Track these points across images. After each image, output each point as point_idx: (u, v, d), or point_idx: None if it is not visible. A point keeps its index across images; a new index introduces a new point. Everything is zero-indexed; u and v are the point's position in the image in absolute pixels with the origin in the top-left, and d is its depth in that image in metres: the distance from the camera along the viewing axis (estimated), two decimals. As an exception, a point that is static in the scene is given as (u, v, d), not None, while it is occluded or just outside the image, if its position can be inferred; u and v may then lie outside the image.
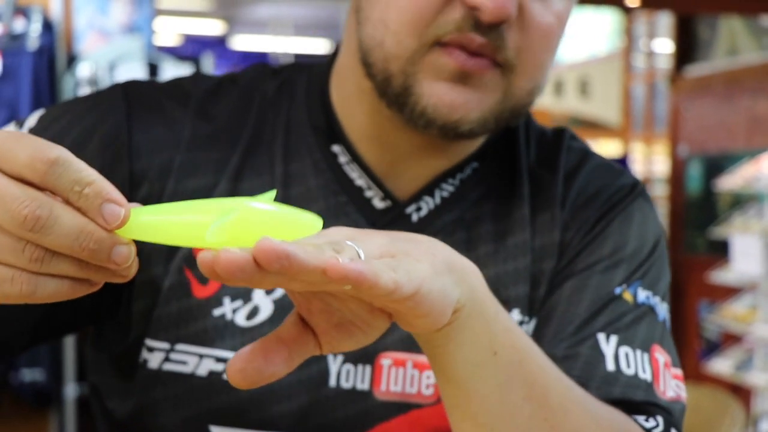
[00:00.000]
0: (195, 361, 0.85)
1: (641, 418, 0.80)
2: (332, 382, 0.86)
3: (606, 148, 8.93)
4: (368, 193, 0.90)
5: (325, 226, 0.87)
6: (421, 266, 0.58)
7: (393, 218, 0.89)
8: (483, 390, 0.67)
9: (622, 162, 7.98)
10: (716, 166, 6.42)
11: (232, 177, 0.88)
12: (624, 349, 0.83)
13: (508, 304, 0.88)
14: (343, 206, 0.89)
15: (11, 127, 0.87)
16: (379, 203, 0.90)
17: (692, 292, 6.24)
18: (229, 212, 0.51)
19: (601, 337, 0.84)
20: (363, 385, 0.86)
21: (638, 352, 0.84)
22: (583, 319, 0.85)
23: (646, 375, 0.83)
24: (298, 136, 0.91)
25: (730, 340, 5.52)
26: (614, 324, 0.85)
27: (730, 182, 5.44)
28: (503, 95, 0.84)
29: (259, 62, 0.98)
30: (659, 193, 8.05)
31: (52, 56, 3.84)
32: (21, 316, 0.82)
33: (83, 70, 3.79)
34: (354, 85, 0.89)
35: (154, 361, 0.86)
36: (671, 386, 0.85)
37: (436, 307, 0.58)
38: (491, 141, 0.96)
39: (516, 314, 0.88)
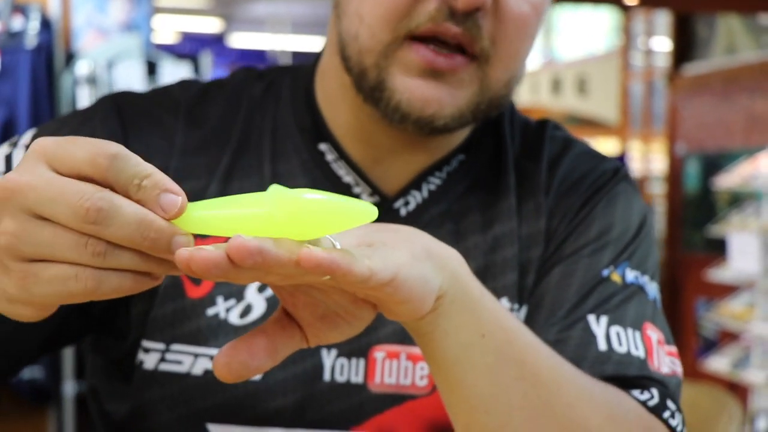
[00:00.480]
0: (190, 360, 0.85)
1: (636, 392, 0.80)
2: (326, 376, 0.87)
3: (604, 146, 8.94)
4: (356, 190, 0.91)
5: None
6: (398, 253, 0.58)
7: (381, 213, 0.90)
8: (474, 373, 0.68)
9: (620, 160, 7.99)
10: (714, 164, 6.43)
11: (223, 178, 0.89)
12: (615, 329, 0.84)
13: (497, 294, 0.88)
14: None
15: (5, 149, 0.88)
16: (367, 199, 0.91)
17: (690, 290, 6.26)
18: (284, 203, 0.52)
19: (591, 318, 0.84)
20: (357, 379, 0.87)
21: (629, 331, 0.84)
22: (572, 303, 0.86)
23: (639, 352, 0.83)
24: (285, 136, 0.92)
25: (727, 338, 5.53)
26: (603, 305, 0.85)
27: (727, 180, 5.45)
28: (479, 88, 0.84)
29: (244, 66, 1.00)
30: (657, 191, 8.07)
31: (50, 54, 3.85)
32: (33, 332, 0.83)
33: (81, 68, 3.79)
34: (336, 81, 0.90)
35: (149, 361, 0.87)
36: (665, 362, 0.85)
37: (415, 293, 0.59)
38: (477, 132, 0.97)
39: (505, 302, 0.89)
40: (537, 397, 0.70)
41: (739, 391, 5.19)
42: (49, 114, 3.80)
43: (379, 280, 0.55)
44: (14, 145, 0.88)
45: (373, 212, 0.54)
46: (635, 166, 8.30)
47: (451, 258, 0.65)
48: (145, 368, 0.87)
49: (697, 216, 6.60)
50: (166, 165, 0.88)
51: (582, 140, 1.02)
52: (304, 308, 0.61)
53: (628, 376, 0.81)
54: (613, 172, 0.97)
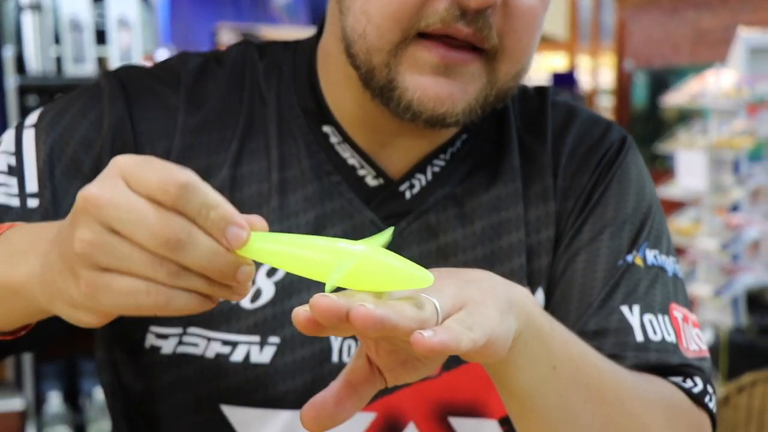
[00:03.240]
0: (204, 343, 0.87)
1: (679, 379, 0.86)
2: (335, 358, 0.88)
3: (553, 61, 8.94)
4: (361, 172, 0.91)
5: (321, 205, 0.90)
6: (490, 313, 0.61)
7: (386, 196, 0.91)
8: (546, 402, 0.71)
9: (570, 76, 8.01)
10: (662, 80, 6.49)
11: (232, 163, 0.89)
12: (647, 317, 0.88)
13: (504, 278, 0.90)
14: (336, 186, 0.90)
15: (11, 133, 0.88)
16: (372, 181, 0.91)
17: (637, 205, 6.37)
18: (348, 257, 0.55)
19: (625, 309, 0.88)
20: None
21: (660, 317, 0.88)
22: (604, 292, 0.89)
23: (671, 337, 0.87)
24: (289, 118, 0.92)
25: (674, 252, 5.66)
26: (633, 294, 0.89)
27: (675, 98, 5.51)
28: (488, 81, 0.83)
29: (242, 41, 0.98)
30: (605, 104, 8.12)
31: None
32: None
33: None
34: (340, 71, 0.89)
35: (168, 346, 0.88)
36: (693, 339, 0.90)
37: (499, 347, 0.62)
38: None
39: None
40: (604, 415, 0.74)
41: (685, 304, 5.34)
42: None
43: (479, 346, 0.58)
44: (21, 127, 0.89)
45: (429, 281, 0.56)
46: (584, 79, 8.33)
47: (525, 299, 0.67)
48: (163, 353, 0.88)
49: (645, 132, 6.68)
50: (170, 144, 0.88)
51: (582, 105, 1.01)
52: (387, 355, 0.63)
53: (672, 363, 0.86)
54: (621, 144, 0.96)
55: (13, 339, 0.77)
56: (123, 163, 0.57)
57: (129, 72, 0.93)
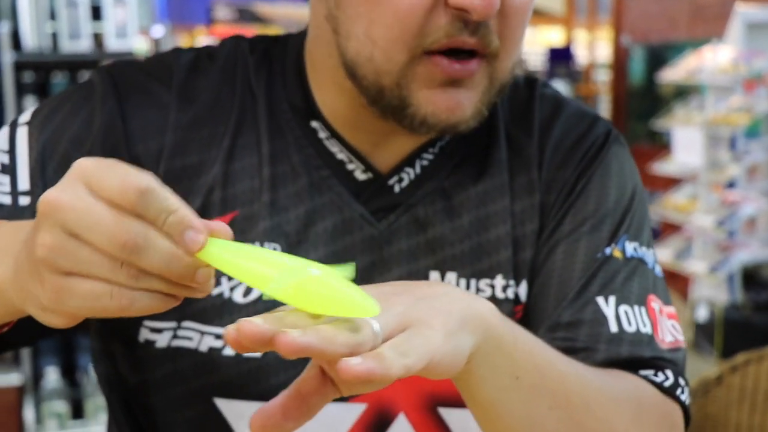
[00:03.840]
0: (198, 337, 0.88)
1: (650, 373, 0.86)
2: None
3: (549, 36, 8.92)
4: (350, 166, 0.91)
5: (311, 199, 0.91)
6: (433, 335, 0.60)
7: (375, 190, 0.91)
8: (510, 410, 0.72)
9: (566, 51, 8.00)
10: (659, 56, 6.48)
11: (225, 159, 0.90)
12: (623, 308, 0.88)
13: (491, 271, 0.91)
14: (326, 180, 0.91)
15: (5, 131, 0.89)
16: (361, 175, 0.91)
17: (634, 181, 6.37)
18: (294, 273, 0.55)
19: (600, 300, 0.88)
20: None
21: (636, 308, 0.89)
22: (580, 284, 0.89)
23: (646, 329, 0.88)
24: (278, 112, 0.92)
25: (669, 229, 5.69)
26: (610, 285, 0.89)
27: (672, 74, 5.50)
28: (490, 82, 0.85)
29: (235, 35, 0.98)
30: (603, 78, 8.10)
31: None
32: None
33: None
34: (328, 79, 0.90)
35: (162, 340, 0.89)
36: (668, 330, 0.90)
37: (447, 367, 0.62)
38: None
39: (500, 280, 0.92)
40: (569, 420, 0.75)
41: (680, 280, 5.37)
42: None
43: (414, 371, 0.58)
44: (15, 125, 0.90)
45: (375, 311, 0.56)
46: (581, 54, 8.31)
47: (484, 315, 0.67)
48: (158, 347, 0.89)
49: (642, 108, 6.68)
50: (162, 141, 0.89)
51: (572, 99, 1.02)
52: None
53: (643, 357, 0.86)
54: (605, 137, 0.97)
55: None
56: (85, 166, 0.57)
57: (122, 70, 0.93)
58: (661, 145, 5.84)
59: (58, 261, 0.57)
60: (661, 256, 5.27)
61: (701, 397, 1.96)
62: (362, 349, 0.56)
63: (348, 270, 0.57)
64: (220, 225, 0.58)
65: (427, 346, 0.59)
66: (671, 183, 5.59)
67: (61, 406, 3.76)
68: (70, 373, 3.91)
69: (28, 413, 3.75)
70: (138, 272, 0.57)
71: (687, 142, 5.17)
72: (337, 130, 0.91)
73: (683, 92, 5.99)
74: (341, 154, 0.91)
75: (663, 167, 5.40)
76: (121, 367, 0.94)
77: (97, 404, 3.72)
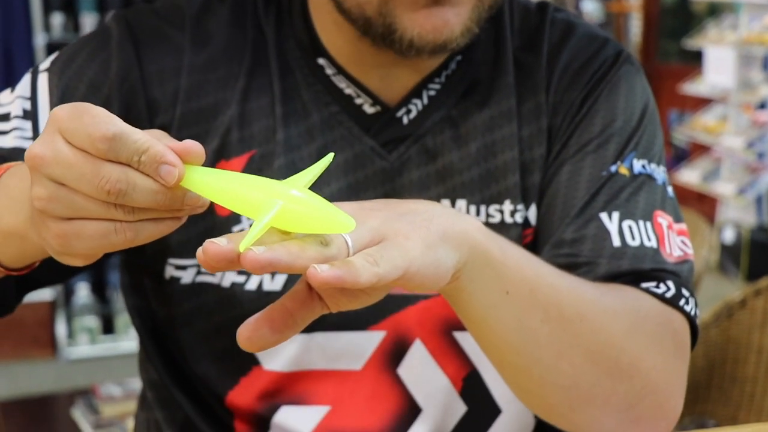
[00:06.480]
0: (220, 273, 0.90)
1: (651, 285, 0.85)
2: None
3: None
4: (358, 101, 0.92)
5: (322, 135, 0.92)
6: (410, 245, 0.60)
7: (384, 122, 0.92)
8: (502, 325, 0.72)
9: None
10: (693, -28, 6.33)
11: (240, 99, 0.91)
12: (627, 223, 0.88)
13: (499, 196, 0.92)
14: (335, 115, 0.92)
15: (27, 78, 0.92)
16: (369, 109, 0.92)
17: (663, 101, 6.29)
18: (276, 196, 0.56)
19: (603, 216, 0.88)
20: None
21: (641, 223, 0.88)
22: (584, 201, 0.89)
23: (651, 242, 0.87)
24: (287, 50, 0.93)
25: (698, 150, 5.63)
26: (614, 201, 0.89)
27: (706, -9, 5.38)
28: None
29: None
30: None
31: None
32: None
33: None
34: (329, 17, 0.91)
35: (187, 277, 0.92)
36: (676, 245, 0.90)
37: (428, 279, 0.62)
38: None
39: (508, 205, 0.92)
40: (563, 332, 0.75)
41: (707, 202, 5.34)
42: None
43: (388, 280, 0.58)
44: (36, 72, 0.92)
45: (351, 226, 0.56)
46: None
47: (468, 231, 0.67)
48: (183, 283, 0.92)
49: (673, 26, 6.56)
50: (177, 84, 0.91)
51: (584, 22, 1.01)
52: None
53: (644, 269, 0.86)
54: (614, 58, 0.96)
55: (26, 273, 0.80)
56: (59, 117, 0.58)
57: (137, 15, 0.94)
58: (692, 64, 5.74)
59: (56, 210, 0.59)
60: (688, 177, 5.24)
61: (725, 320, 1.97)
62: (331, 261, 0.56)
63: (326, 160, 0.60)
64: (191, 143, 0.59)
65: (403, 256, 0.59)
66: (702, 103, 5.52)
67: (92, 321, 3.84)
68: (100, 290, 3.98)
69: (60, 328, 3.84)
70: (132, 208, 0.59)
71: (719, 62, 5.08)
72: (342, 66, 0.92)
73: (716, 10, 5.87)
74: (349, 90, 0.92)
75: (693, 87, 5.32)
76: (151, 301, 0.97)
77: (126, 321, 3.79)
